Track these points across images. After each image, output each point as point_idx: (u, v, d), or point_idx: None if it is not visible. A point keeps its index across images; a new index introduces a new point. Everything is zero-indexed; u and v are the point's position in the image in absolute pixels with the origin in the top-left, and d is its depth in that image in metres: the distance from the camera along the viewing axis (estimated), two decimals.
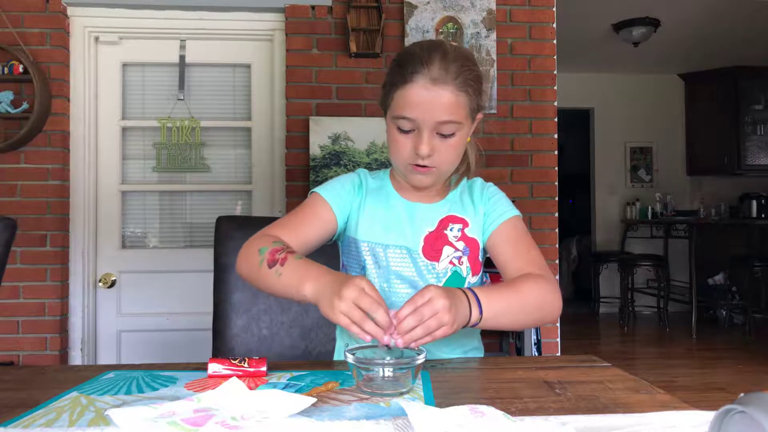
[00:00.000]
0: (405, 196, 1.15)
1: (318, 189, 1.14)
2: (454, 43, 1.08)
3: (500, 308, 0.94)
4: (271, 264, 0.95)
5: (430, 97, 1.00)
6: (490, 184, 1.19)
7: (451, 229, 1.12)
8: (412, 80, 1.00)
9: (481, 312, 0.91)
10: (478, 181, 1.20)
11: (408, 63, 1.02)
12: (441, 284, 1.09)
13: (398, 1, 2.63)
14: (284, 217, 1.11)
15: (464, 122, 1.04)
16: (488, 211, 1.13)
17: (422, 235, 1.11)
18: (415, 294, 0.85)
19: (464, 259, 1.11)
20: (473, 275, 1.12)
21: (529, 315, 1.00)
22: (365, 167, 2.66)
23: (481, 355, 1.18)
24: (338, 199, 1.12)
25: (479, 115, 1.10)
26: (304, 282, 0.90)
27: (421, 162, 1.04)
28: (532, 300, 0.99)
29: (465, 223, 1.12)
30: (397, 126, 1.04)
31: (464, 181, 1.18)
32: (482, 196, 1.15)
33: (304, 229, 1.08)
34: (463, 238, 1.11)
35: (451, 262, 1.10)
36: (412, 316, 0.82)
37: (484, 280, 1.19)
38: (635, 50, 5.10)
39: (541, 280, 1.01)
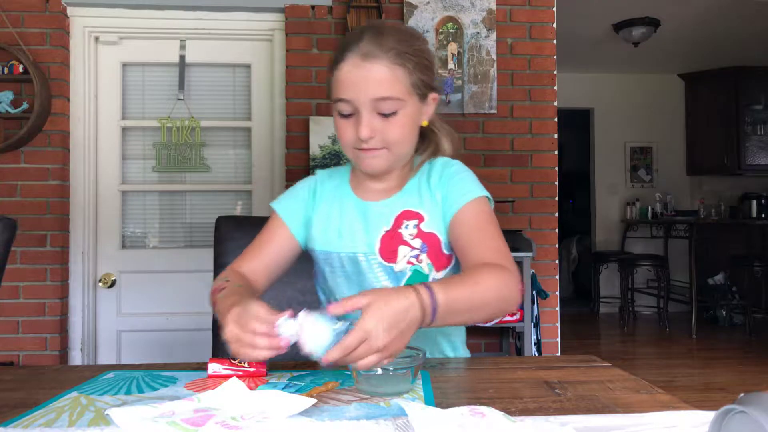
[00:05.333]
0: (360, 194, 1.09)
1: (274, 204, 1.13)
2: (412, 27, 1.05)
3: (457, 306, 0.83)
4: (213, 305, 0.96)
5: (362, 74, 0.95)
6: (454, 162, 1.09)
7: (405, 227, 1.04)
8: (343, 59, 0.97)
9: (434, 312, 0.79)
10: (439, 162, 1.08)
11: (341, 45, 0.99)
12: (401, 284, 1.03)
13: (398, 1, 2.63)
14: (249, 245, 1.10)
15: (406, 99, 0.98)
16: (446, 195, 1.03)
17: (379, 236, 1.05)
18: (352, 297, 0.75)
19: (423, 256, 1.03)
20: (438, 270, 1.04)
21: (484, 311, 0.89)
22: None
23: (468, 355, 1.16)
24: (293, 214, 1.10)
25: (433, 95, 1.04)
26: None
27: (364, 145, 0.98)
28: (490, 294, 0.88)
29: (420, 218, 1.04)
30: (338, 111, 0.99)
31: (426, 164, 1.09)
32: (440, 179, 1.05)
33: (263, 255, 1.08)
34: (420, 234, 1.03)
35: (409, 262, 1.03)
36: (337, 349, 0.72)
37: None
38: (635, 50, 5.10)
39: (502, 272, 0.90)
